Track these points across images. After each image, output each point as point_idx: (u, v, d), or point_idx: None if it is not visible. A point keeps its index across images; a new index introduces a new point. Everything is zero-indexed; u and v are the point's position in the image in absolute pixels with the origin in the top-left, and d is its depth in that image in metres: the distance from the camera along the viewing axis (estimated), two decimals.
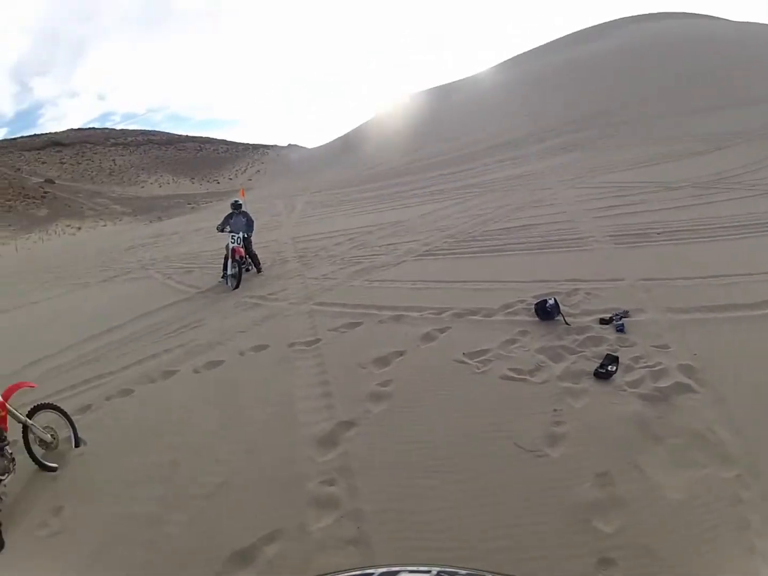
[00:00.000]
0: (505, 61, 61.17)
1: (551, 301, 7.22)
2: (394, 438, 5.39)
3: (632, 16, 66.39)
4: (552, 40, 64.57)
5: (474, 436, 5.25)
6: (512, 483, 4.62)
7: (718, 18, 59.38)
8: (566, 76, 36.72)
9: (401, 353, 7.01)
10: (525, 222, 12.33)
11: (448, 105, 41.58)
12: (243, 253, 12.52)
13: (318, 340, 7.87)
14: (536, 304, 7.33)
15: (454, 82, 59.83)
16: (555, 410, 5.46)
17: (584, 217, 11.95)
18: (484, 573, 1.90)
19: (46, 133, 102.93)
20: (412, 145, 28.80)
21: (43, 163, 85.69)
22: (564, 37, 64.35)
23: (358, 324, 8.19)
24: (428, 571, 1.81)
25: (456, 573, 1.80)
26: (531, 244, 10.71)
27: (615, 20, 66.44)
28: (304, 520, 4.49)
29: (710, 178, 13.82)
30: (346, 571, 1.92)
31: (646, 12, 67.78)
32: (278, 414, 6.15)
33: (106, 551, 4.67)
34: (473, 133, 24.52)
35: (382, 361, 6.87)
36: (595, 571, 3.76)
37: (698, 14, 66.22)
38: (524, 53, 62.47)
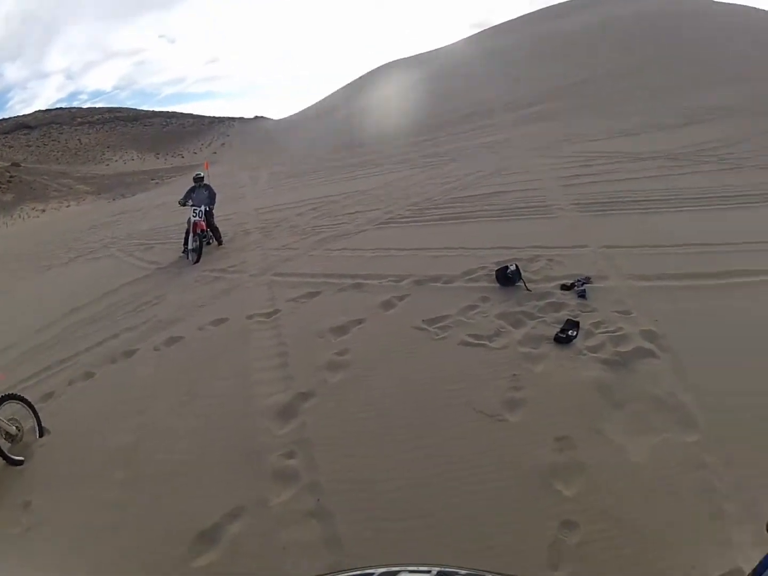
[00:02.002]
0: (484, 30, 60.45)
1: (512, 267, 7.14)
2: (351, 407, 5.33)
3: None
4: (533, 11, 63.81)
5: (432, 402, 5.21)
6: (472, 449, 4.59)
7: None
8: (546, 47, 36.44)
9: (360, 321, 6.93)
10: (492, 189, 12.20)
11: (423, 74, 41.03)
12: (204, 227, 12.33)
13: (277, 311, 7.77)
14: (497, 271, 7.25)
15: (430, 51, 59.17)
16: (514, 375, 5.41)
17: (552, 185, 11.87)
18: (485, 573, 1.87)
19: (14, 117, 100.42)
20: (384, 114, 28.40)
21: (10, 147, 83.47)
22: (545, 8, 63.72)
23: (317, 293, 8.10)
24: (428, 571, 1.80)
25: (456, 573, 1.79)
26: (496, 211, 10.62)
27: None
28: (265, 495, 4.45)
29: (684, 151, 13.76)
30: (346, 571, 1.91)
31: None
32: (237, 388, 6.06)
33: (77, 542, 4.61)
34: (447, 102, 24.20)
35: (341, 330, 6.79)
36: (557, 534, 3.77)
37: None
38: (505, 23, 61.69)
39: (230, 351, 6.92)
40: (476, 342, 6.02)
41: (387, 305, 7.22)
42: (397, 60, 59.62)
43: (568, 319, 6.19)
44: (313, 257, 10.01)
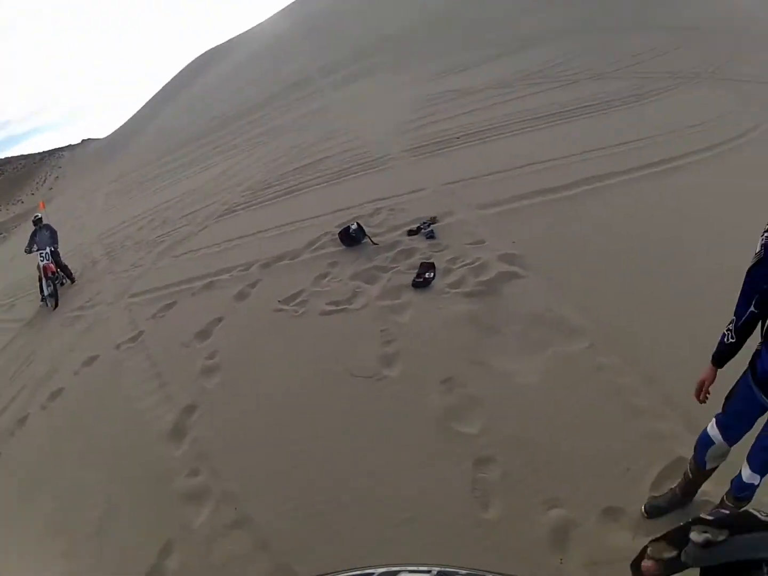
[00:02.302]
0: (286, 7, 59.85)
1: (354, 226, 6.96)
2: (235, 407, 5.12)
3: None
4: None
5: (313, 380, 5.05)
6: (365, 415, 4.49)
7: None
8: (351, 6, 36.27)
9: (219, 320, 6.65)
10: (321, 155, 11.97)
11: (227, 63, 40.26)
12: (54, 269, 11.39)
13: (140, 333, 7.36)
14: (340, 233, 7.06)
15: (233, 37, 58.17)
16: (382, 331, 5.33)
17: (381, 138, 11.75)
18: (485, 573, 1.80)
19: None
20: (201, 106, 27.58)
21: None
22: None
23: (173, 304, 7.75)
24: (428, 571, 1.74)
25: (456, 573, 1.74)
26: (328, 176, 10.45)
27: None
28: (187, 520, 4.21)
29: (513, 77, 13.99)
30: (346, 571, 1.81)
31: None
32: (127, 422, 5.68)
33: None
34: (260, 83, 23.59)
35: (204, 334, 6.49)
36: (476, 473, 3.77)
37: None
38: None
39: (109, 386, 6.51)
40: (336, 308, 5.89)
41: (241, 296, 6.98)
42: (211, 49, 58.23)
43: (422, 263, 6.10)
44: (161, 269, 9.55)
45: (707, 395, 2.99)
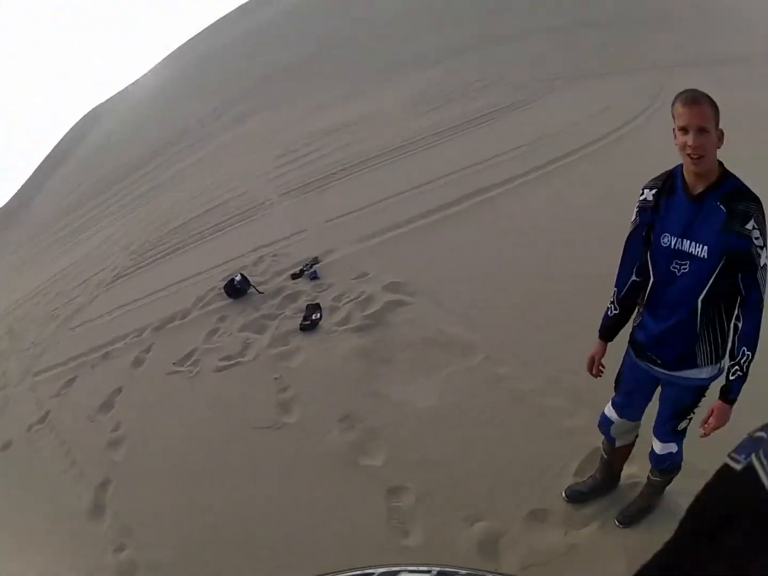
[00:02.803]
0: (172, 53, 59.19)
1: (238, 278, 6.98)
2: (147, 476, 5.01)
3: None
4: (218, 17, 62.85)
5: (214, 438, 5.02)
6: (270, 464, 4.51)
7: None
8: (237, 48, 36.33)
9: (119, 390, 6.51)
10: (201, 210, 11.88)
11: (110, 121, 39.64)
12: None
13: (47, 413, 7.11)
14: (225, 286, 7.06)
15: (119, 92, 57.21)
16: (275, 379, 5.37)
17: (261, 182, 11.80)
18: (485, 573, 1.92)
19: None
20: (88, 169, 27.07)
21: None
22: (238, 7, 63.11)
23: (74, 379, 7.51)
24: (428, 571, 1.76)
25: (456, 573, 1.76)
26: (210, 230, 10.43)
27: None
28: None
29: (386, 106, 14.28)
30: (346, 570, 1.84)
31: None
32: (47, 505, 5.44)
33: None
34: (142, 138, 23.28)
35: (106, 406, 6.34)
36: (389, 503, 3.79)
37: None
38: (176, 50, 60.73)
39: (27, 471, 6.26)
40: (229, 363, 5.87)
41: (137, 363, 6.86)
42: (93, 109, 57.04)
43: (308, 305, 6.17)
44: (60, 343, 9.23)
45: (600, 369, 3.07)
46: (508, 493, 3.62)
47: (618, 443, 3.22)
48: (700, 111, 2.34)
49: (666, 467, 3.07)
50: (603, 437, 3.29)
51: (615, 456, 3.31)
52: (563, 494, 3.53)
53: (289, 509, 4.03)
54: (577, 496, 3.49)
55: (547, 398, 4.17)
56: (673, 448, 2.97)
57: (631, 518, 3.34)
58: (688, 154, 2.39)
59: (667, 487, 3.24)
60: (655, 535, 3.05)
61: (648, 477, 3.24)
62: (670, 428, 2.92)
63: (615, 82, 12.19)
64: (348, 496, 3.92)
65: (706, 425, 2.67)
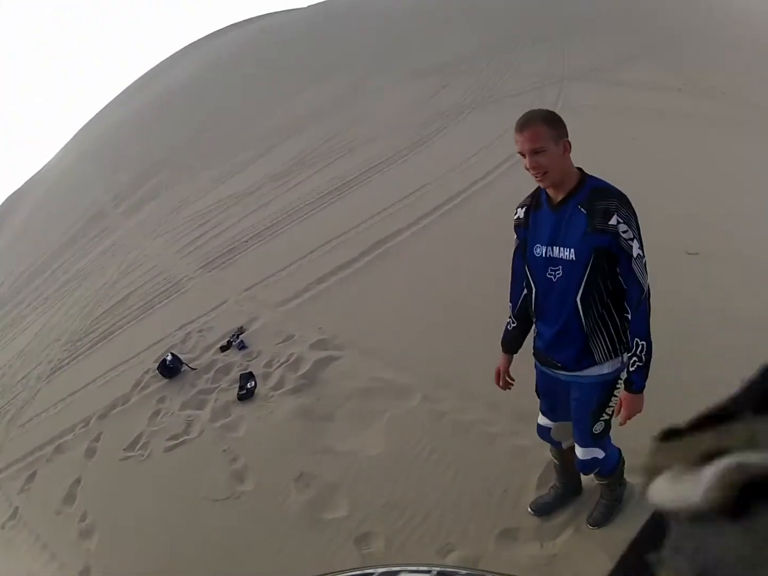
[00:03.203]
0: (75, 136, 57.78)
1: (169, 357, 7.07)
2: (124, 558, 5.03)
3: (195, 42, 65.56)
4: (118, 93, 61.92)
5: (176, 516, 5.08)
6: (231, 537, 4.52)
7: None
8: (130, 130, 35.77)
9: (78, 480, 6.52)
10: (124, 293, 11.84)
11: (23, 211, 38.61)
12: None
13: (17, 509, 7.00)
14: (158, 367, 7.15)
15: (26, 181, 55.64)
16: (224, 451, 5.44)
17: (174, 261, 11.88)
18: (485, 573, 1.94)
19: None
20: (9, 263, 26.33)
21: None
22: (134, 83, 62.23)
23: (34, 474, 7.45)
24: (428, 571, 1.76)
25: (456, 573, 1.78)
26: (135, 312, 10.45)
27: (183, 48, 65.18)
28: None
29: (285, 167, 14.49)
30: (346, 571, 1.88)
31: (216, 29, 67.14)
32: None
33: None
34: (57, 226, 22.76)
35: (70, 497, 6.33)
36: (360, 551, 3.84)
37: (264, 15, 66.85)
38: (85, 125, 59.43)
39: (6, 570, 6.22)
40: (177, 442, 5.95)
41: (89, 453, 6.90)
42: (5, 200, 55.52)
43: (240, 375, 6.29)
44: (14, 440, 9.04)
45: (509, 381, 3.24)
46: (475, 519, 3.73)
47: (565, 445, 3.31)
48: (530, 134, 2.50)
49: (600, 472, 3.19)
50: (550, 445, 3.40)
51: (566, 459, 3.37)
52: (529, 509, 3.62)
53: (264, 573, 4.10)
54: (544, 508, 3.59)
55: (492, 424, 4.34)
56: (597, 453, 3.05)
57: (601, 518, 3.42)
58: (533, 174, 2.57)
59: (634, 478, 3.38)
60: (631, 530, 3.18)
61: (598, 485, 3.39)
62: (585, 432, 2.99)
63: None
64: (317, 553, 3.97)
65: (619, 416, 2.81)
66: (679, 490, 0.35)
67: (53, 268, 17.96)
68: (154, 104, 38.90)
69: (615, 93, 12.89)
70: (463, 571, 1.79)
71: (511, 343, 3.19)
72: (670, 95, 12.44)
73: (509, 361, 3.21)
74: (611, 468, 3.20)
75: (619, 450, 3.25)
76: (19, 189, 52.33)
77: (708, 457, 0.34)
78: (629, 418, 2.79)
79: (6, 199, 50.59)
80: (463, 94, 15.14)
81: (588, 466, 3.12)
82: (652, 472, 0.38)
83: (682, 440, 0.37)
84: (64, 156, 50.05)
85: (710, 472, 0.33)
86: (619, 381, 2.87)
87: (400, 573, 1.78)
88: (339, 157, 13.38)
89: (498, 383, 3.24)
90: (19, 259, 22.88)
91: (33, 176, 53.45)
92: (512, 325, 3.13)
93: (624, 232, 2.52)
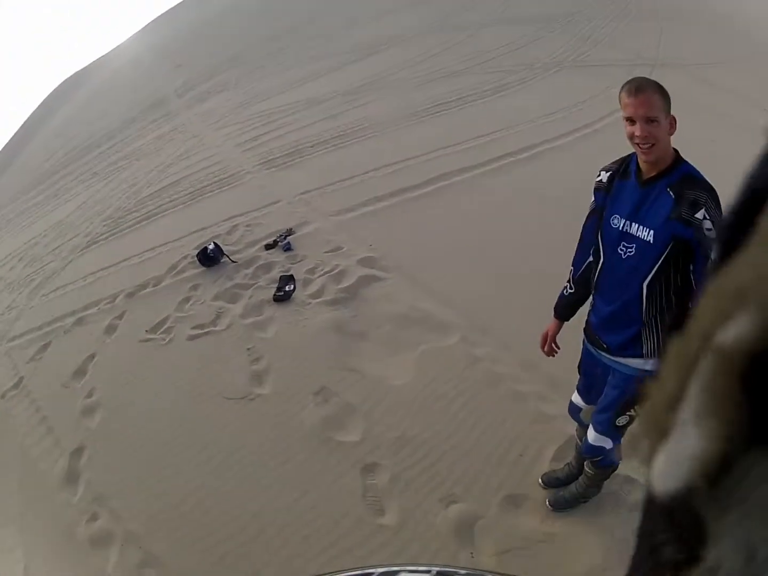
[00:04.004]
0: (147, 25, 57.86)
1: (211, 246, 6.92)
2: (121, 444, 4.98)
3: None
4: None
5: (187, 408, 4.99)
6: (244, 437, 4.46)
7: None
8: (203, 29, 35.63)
9: (92, 356, 6.47)
10: (175, 177, 11.70)
11: (86, 89, 38.80)
12: None
13: (22, 379, 7.02)
14: (198, 254, 7.02)
15: (94, 61, 55.84)
16: (248, 349, 5.32)
17: (235, 153, 11.64)
18: (485, 573, 1.89)
19: None
20: (64, 136, 26.54)
21: None
22: None
23: (48, 344, 7.45)
24: (428, 571, 1.67)
25: (456, 573, 1.69)
26: (184, 198, 10.30)
27: None
28: (100, 567, 4.04)
29: (360, 84, 14.09)
30: (345, 570, 1.73)
31: None
32: (29, 476, 5.36)
33: None
34: (118, 107, 22.78)
35: (80, 373, 6.29)
36: (364, 481, 3.80)
37: None
38: (162, 14, 59.32)
39: (2, 439, 6.18)
40: (202, 332, 5.83)
41: (110, 330, 6.82)
42: (71, 76, 55.84)
43: (281, 276, 6.15)
44: (35, 308, 9.12)
45: (554, 348, 3.11)
46: (484, 476, 3.64)
47: None
48: (645, 100, 2.31)
49: (599, 462, 3.07)
50: (576, 424, 3.30)
51: None
52: (540, 481, 3.54)
53: (264, 480, 4.03)
54: (554, 483, 3.50)
55: (524, 383, 4.20)
56: (607, 443, 2.94)
57: (562, 502, 3.40)
58: (637, 143, 2.37)
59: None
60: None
61: (584, 466, 3.26)
62: (607, 418, 2.87)
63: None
64: (323, 471, 3.92)
65: None
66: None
67: (108, 145, 18.03)
68: (232, 6, 38.51)
69: (700, 91, 12.35)
70: (463, 572, 1.69)
71: (564, 309, 3.05)
72: (756, 111, 11.83)
73: (559, 327, 3.09)
74: (610, 462, 3.09)
75: None
76: (80, 70, 52.61)
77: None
78: None
79: (65, 80, 50.97)
80: (553, 53, 14.64)
81: (593, 451, 3.02)
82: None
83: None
84: (131, 46, 50.14)
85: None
86: None
87: (400, 573, 1.68)
88: (416, 86, 12.82)
89: (543, 348, 3.13)
90: (73, 135, 23.07)
91: (96, 59, 53.65)
92: (569, 290, 2.98)
93: (708, 230, 2.29)
